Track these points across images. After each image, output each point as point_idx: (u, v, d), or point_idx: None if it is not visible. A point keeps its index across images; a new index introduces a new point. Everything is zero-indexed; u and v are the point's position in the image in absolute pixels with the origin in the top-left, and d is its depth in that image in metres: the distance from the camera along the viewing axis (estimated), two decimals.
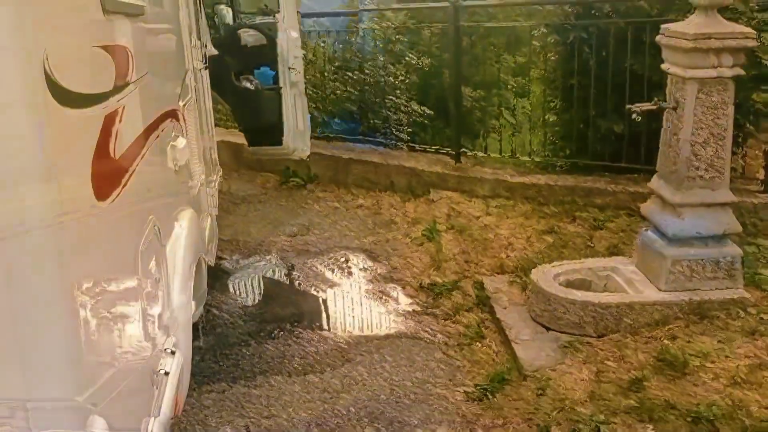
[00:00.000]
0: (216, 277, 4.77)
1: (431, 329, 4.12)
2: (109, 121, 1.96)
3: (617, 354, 3.46)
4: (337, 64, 7.53)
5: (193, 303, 2.85)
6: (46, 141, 1.48)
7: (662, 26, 3.73)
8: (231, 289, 4.84)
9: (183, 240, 2.81)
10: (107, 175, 1.91)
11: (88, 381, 1.66)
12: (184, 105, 3.60)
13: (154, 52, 2.86)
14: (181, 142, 3.09)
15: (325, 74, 7.49)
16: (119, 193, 2.00)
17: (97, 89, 1.88)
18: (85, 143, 1.76)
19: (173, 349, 2.28)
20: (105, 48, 2.02)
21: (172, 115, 3.13)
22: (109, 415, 1.66)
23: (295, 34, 5.53)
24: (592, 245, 4.72)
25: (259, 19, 6.39)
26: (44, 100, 1.47)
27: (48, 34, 1.54)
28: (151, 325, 2.15)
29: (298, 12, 5.91)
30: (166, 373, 2.17)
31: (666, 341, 3.48)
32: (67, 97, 1.59)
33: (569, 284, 3.92)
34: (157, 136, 2.70)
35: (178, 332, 2.50)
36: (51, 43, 1.53)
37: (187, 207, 3.15)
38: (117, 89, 2.08)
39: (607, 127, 5.44)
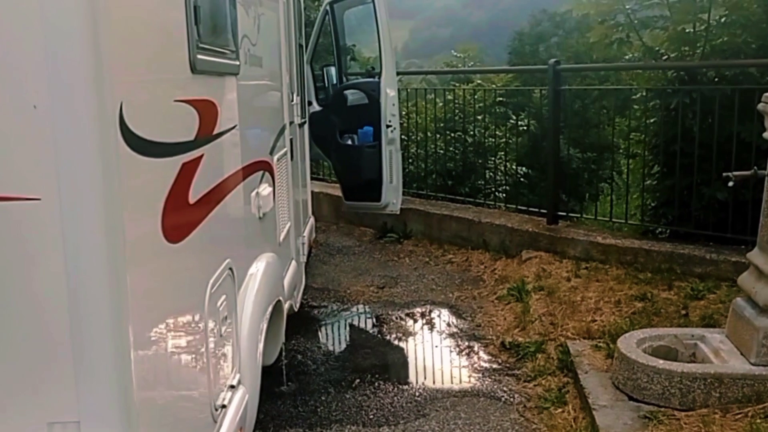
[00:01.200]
0: (303, 324, 4.94)
1: (510, 389, 4.05)
2: (188, 168, 2.11)
3: (702, 429, 3.27)
4: (441, 124, 7.68)
5: (264, 344, 2.96)
6: (114, 183, 1.62)
7: (765, 95, 3.63)
8: (317, 336, 4.97)
9: (258, 282, 2.93)
10: (179, 219, 2.06)
11: (145, 411, 1.75)
12: (278, 157, 3.82)
13: (247, 106, 3.03)
14: (267, 191, 3.25)
15: (428, 133, 7.66)
16: (192, 235, 2.15)
17: (175, 139, 2.04)
18: (158, 188, 1.90)
19: (234, 383, 2.39)
20: (189, 102, 2.20)
21: (262, 165, 3.33)
22: None
23: (392, 93, 5.77)
24: (686, 314, 4.51)
25: (362, 80, 6.74)
26: (116, 145, 1.63)
27: (127, 87, 1.70)
28: (214, 360, 2.28)
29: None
30: (224, 407, 2.27)
31: (758, 420, 3.26)
32: (140, 145, 1.75)
33: (654, 352, 3.76)
34: (242, 185, 2.87)
35: (244, 369, 2.61)
36: (129, 95, 1.69)
37: (269, 252, 3.31)
38: (199, 140, 2.25)
39: (710, 195, 5.26)
